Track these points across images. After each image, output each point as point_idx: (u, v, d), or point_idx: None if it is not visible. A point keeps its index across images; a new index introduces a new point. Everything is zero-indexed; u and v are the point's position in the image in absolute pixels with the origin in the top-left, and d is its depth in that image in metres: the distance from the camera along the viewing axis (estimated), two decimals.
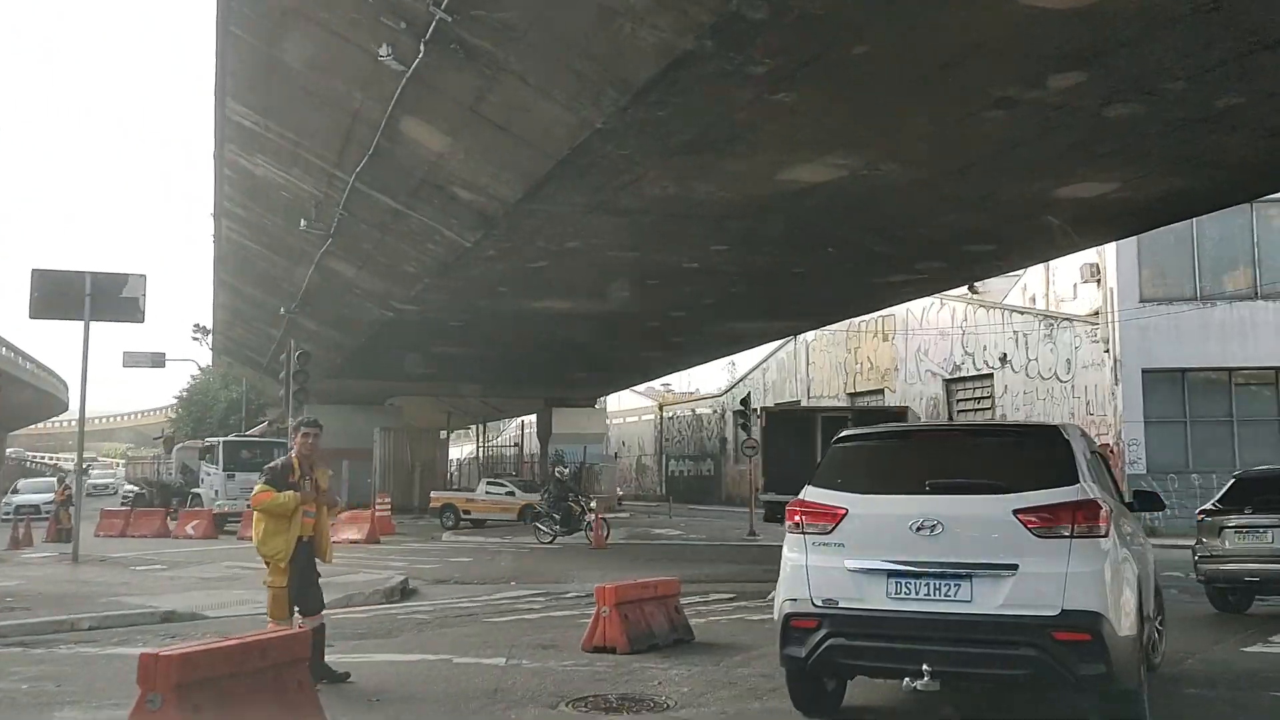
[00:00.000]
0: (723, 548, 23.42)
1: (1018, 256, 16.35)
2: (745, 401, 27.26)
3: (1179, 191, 12.25)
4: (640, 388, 57.48)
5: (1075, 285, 30.80)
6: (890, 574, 5.66)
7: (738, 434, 48.27)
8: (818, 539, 5.92)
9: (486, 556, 20.24)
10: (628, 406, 58.64)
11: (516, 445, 51.09)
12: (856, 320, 38.33)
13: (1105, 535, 5.55)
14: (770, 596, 7.93)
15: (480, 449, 52.82)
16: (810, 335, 41.90)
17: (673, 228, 14.26)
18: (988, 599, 5.47)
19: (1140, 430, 25.92)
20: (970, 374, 33.22)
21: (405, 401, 42.59)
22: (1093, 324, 28.33)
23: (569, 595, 14.02)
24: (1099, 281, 27.98)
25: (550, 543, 22.32)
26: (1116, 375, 26.66)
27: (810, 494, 6.14)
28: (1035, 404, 30.41)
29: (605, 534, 21.92)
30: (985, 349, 32.53)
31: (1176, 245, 26.71)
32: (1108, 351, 27.33)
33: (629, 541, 24.61)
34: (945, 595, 5.55)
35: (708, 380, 63.51)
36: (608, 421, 50.39)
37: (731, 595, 13.74)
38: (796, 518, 6.08)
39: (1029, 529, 5.51)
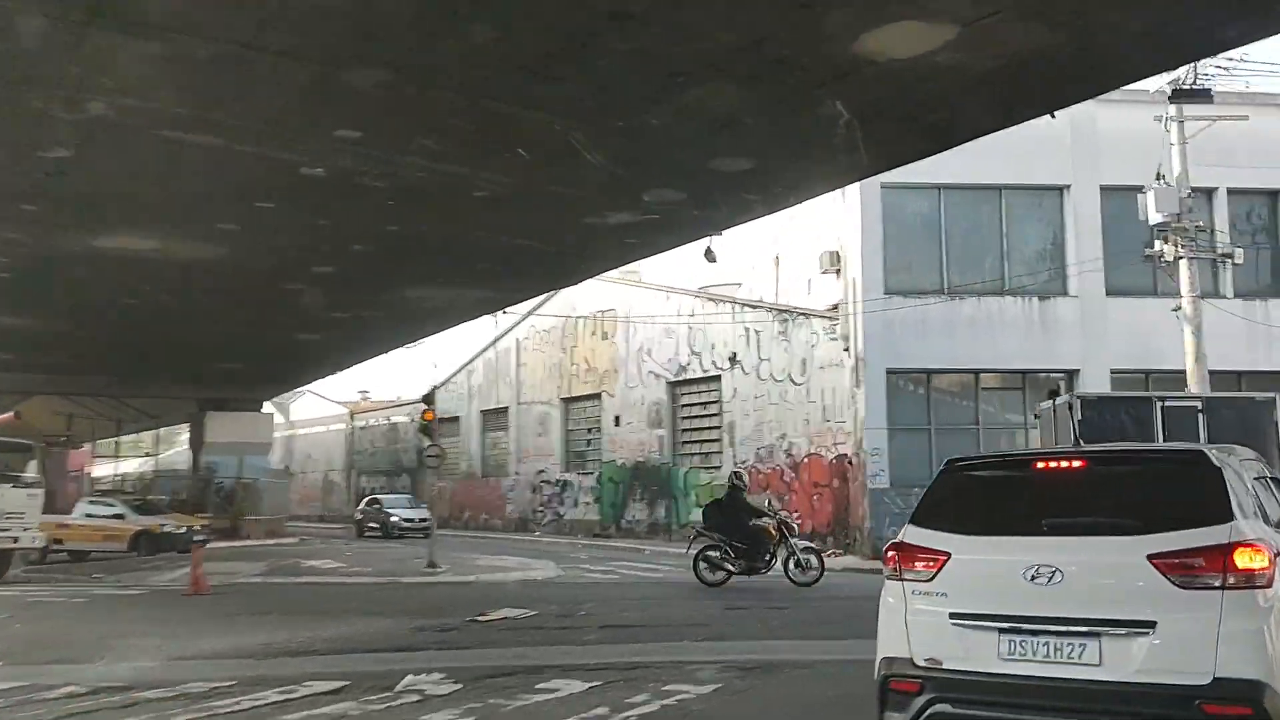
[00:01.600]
0: (388, 589, 17.82)
1: (784, 185, 12.04)
2: (429, 399, 21.80)
3: (1038, 52, 8.13)
4: (333, 393, 50.43)
5: (810, 281, 27.64)
6: (1003, 630, 4.81)
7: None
8: (918, 587, 5.09)
9: (26, 612, 13.62)
10: (316, 414, 51.37)
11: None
12: (574, 315, 33.83)
13: (1269, 585, 4.49)
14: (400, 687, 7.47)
15: (146, 463, 44.10)
16: (522, 332, 37.01)
17: (247, 76, 8.67)
18: (1121, 663, 4.58)
19: (883, 439, 22.76)
20: (697, 376, 29.40)
21: (25, 404, 33.91)
22: (832, 319, 25.09)
23: (55, 692, 8.11)
24: (839, 272, 24.77)
25: (724, 582, 16.30)
26: (858, 376, 23.43)
27: (910, 534, 5.29)
28: (766, 409, 26.89)
29: (200, 572, 15.40)
30: (714, 348, 28.81)
31: (924, 232, 23.92)
32: (848, 350, 24.11)
33: (260, 580, 18.47)
34: (1069, 657, 4.67)
35: (414, 385, 57.10)
36: (282, 429, 43.17)
37: (338, 687, 8.29)
38: (894, 562, 5.24)
39: (1168, 578, 4.58)
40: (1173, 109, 21.15)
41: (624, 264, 16.25)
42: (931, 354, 23.11)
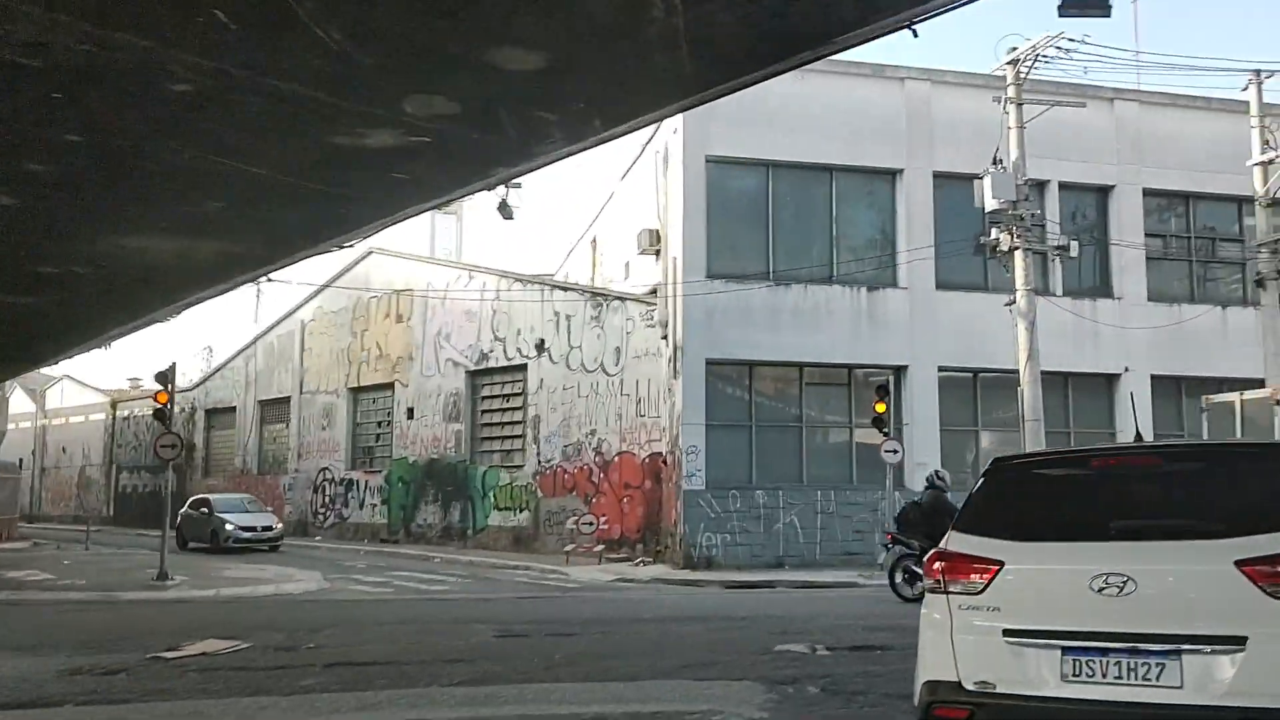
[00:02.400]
0: (88, 610, 14.30)
1: (586, 99, 9.36)
2: (165, 377, 18.04)
3: None
4: (97, 380, 44.79)
5: (629, 264, 25.30)
6: (1066, 649, 4.27)
7: (208, 436, 38.14)
8: (966, 600, 4.54)
9: None
10: (74, 403, 45.56)
11: None
12: (366, 295, 30.40)
13: None
14: None
15: None
16: (308, 314, 33.23)
17: None
18: (1206, 684, 4.02)
19: (701, 436, 20.55)
20: (500, 364, 26.55)
21: None
22: (650, 304, 22.78)
23: None
24: (659, 253, 22.49)
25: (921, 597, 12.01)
26: (675, 367, 21.16)
27: (956, 541, 4.74)
28: (575, 402, 24.33)
29: None
30: (520, 334, 26.03)
31: (750, 212, 21.91)
32: (666, 338, 21.83)
33: None
34: (1144, 678, 4.11)
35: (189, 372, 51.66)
36: (31, 419, 37.77)
37: None
38: (938, 573, 4.69)
39: (1261, 587, 4.04)
40: (1012, 90, 19.92)
41: (401, 214, 13.23)
42: (754, 344, 21.11)
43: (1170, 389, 23.22)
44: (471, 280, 27.62)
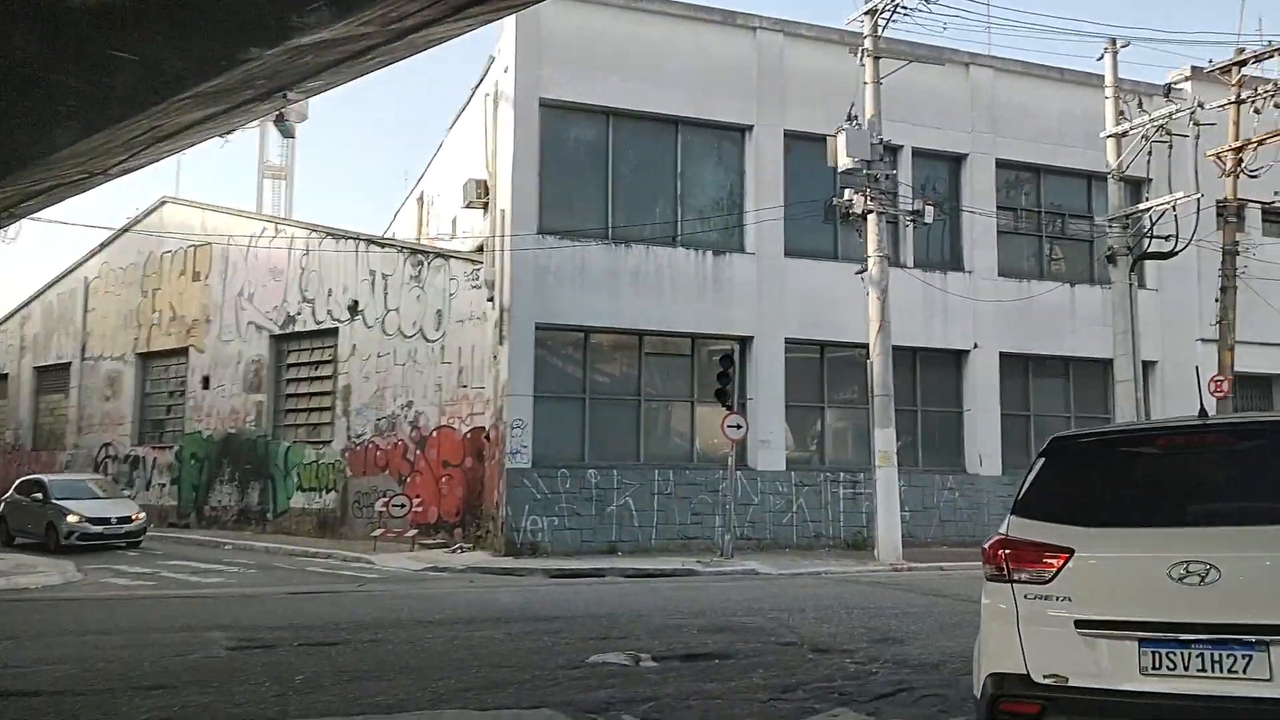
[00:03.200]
0: None
1: None
2: None
3: None
4: None
5: (456, 220, 22.97)
6: (1144, 641, 4.04)
7: None
8: (1033, 590, 4.27)
9: None
10: None
11: None
12: (159, 251, 27.00)
13: None
14: None
15: None
16: (93, 270, 29.44)
17: None
18: None
19: (528, 409, 18.48)
20: (308, 328, 23.77)
21: None
22: (475, 263, 20.52)
23: None
24: (487, 206, 20.25)
25: None
26: (502, 332, 19.00)
27: (1017, 526, 4.43)
28: (391, 371, 21.87)
29: None
30: (332, 295, 23.32)
31: (588, 163, 19.93)
32: (492, 300, 19.63)
33: None
34: (1230, 671, 3.89)
35: None
36: None
37: None
38: (1000, 560, 4.38)
39: None
40: (869, 42, 18.56)
41: (139, 134, 10.61)
42: (590, 309, 19.16)
43: (1018, 367, 22.51)
44: (279, 234, 24.69)
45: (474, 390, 20.22)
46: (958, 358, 21.94)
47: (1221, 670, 3.94)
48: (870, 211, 18.38)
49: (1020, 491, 4.63)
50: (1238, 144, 20.77)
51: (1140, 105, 20.36)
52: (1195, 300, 23.59)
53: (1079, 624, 4.19)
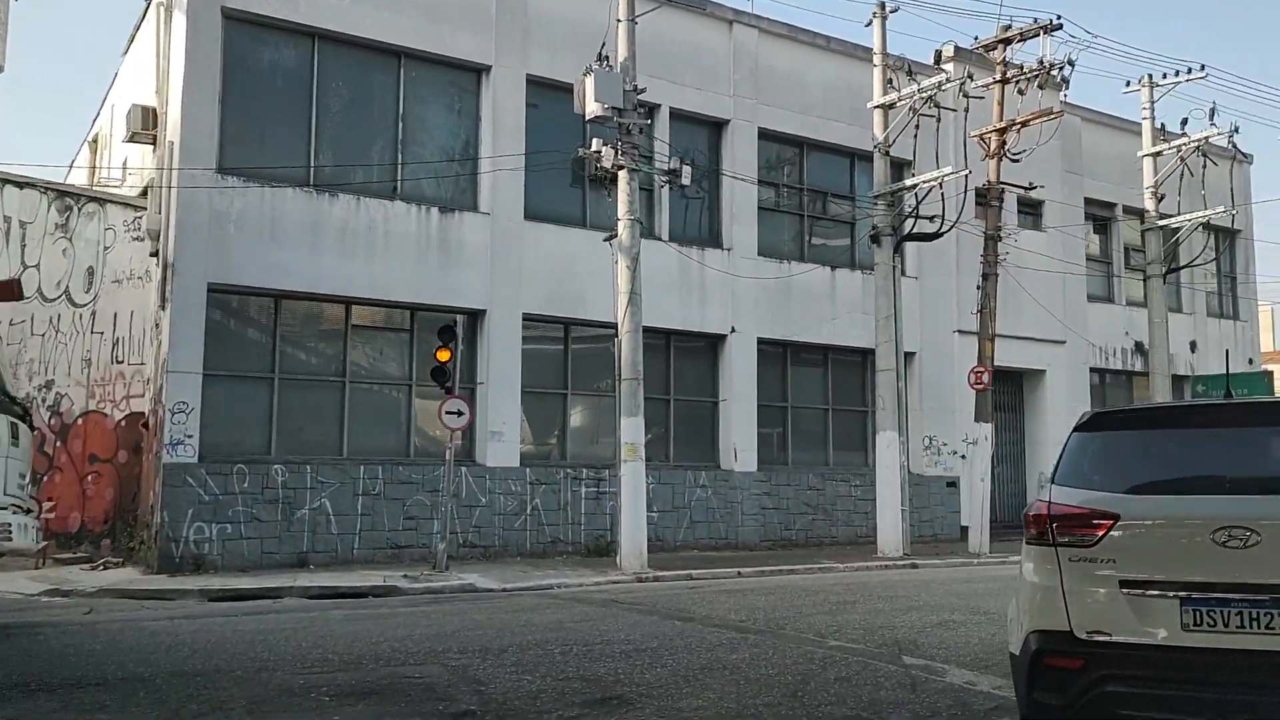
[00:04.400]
0: None
1: None
2: None
3: None
4: None
5: (126, 159, 18.73)
6: (1185, 599, 4.35)
7: None
8: (1078, 553, 4.58)
9: None
10: None
11: None
12: None
13: None
14: None
15: None
16: None
17: None
18: None
19: (195, 390, 14.77)
20: None
21: None
22: (139, 208, 16.51)
23: None
24: (155, 139, 16.30)
25: None
26: (165, 294, 15.18)
27: (1060, 494, 4.77)
28: (27, 344, 17.42)
29: None
30: None
31: (287, 92, 16.40)
32: (156, 255, 15.73)
33: None
34: (1268, 627, 4.21)
35: None
36: None
37: None
38: (1042, 524, 4.71)
39: None
40: None
41: None
42: (283, 269, 15.67)
43: (776, 354, 20.74)
44: None
45: (132, 367, 16.22)
46: (714, 342, 19.89)
47: (1260, 626, 4.22)
48: (621, 167, 15.91)
49: (1058, 463, 4.92)
50: (1002, 125, 19.81)
51: (910, 74, 19.03)
52: (954, 290, 22.71)
53: (1123, 584, 4.46)
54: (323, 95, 16.56)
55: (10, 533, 8.51)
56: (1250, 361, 28.66)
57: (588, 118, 15.72)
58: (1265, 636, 4.22)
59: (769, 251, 20.64)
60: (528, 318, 17.77)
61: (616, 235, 16.05)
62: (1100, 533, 4.57)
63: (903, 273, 21.27)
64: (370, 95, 17.01)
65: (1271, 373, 26.01)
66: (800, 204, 21.67)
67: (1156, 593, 4.42)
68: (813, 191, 21.82)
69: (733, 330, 19.88)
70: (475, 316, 17.38)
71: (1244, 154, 24.54)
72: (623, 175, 15.94)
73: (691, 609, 10.51)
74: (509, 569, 15.39)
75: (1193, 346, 27.23)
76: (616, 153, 15.82)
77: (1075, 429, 5.09)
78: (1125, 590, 4.47)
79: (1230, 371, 27.20)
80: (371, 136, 17.02)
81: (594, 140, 15.83)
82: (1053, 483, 4.89)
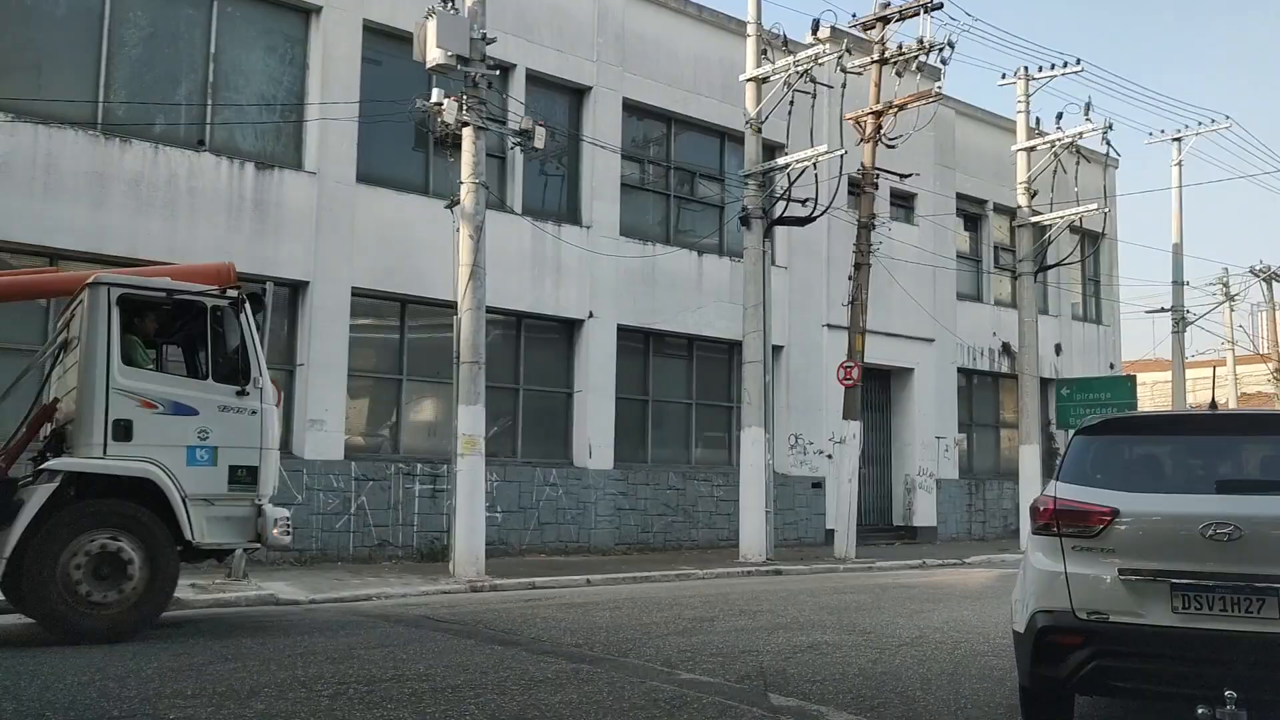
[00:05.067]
0: None
1: None
2: None
3: None
4: None
5: None
6: (1175, 585, 4.86)
7: None
8: (1080, 543, 5.10)
9: None
10: None
11: None
12: None
13: None
14: None
15: None
16: None
17: None
18: None
19: None
20: None
21: None
22: None
23: None
24: None
25: None
26: None
27: (1065, 490, 5.26)
28: None
29: None
30: None
31: (72, 16, 13.99)
32: None
33: None
34: (1247, 611, 4.74)
35: None
36: None
37: None
38: (1048, 516, 5.21)
39: None
40: None
41: None
42: (59, 224, 13.29)
43: (637, 342, 19.22)
44: None
45: None
46: (570, 328, 18.22)
47: (1240, 610, 4.75)
48: (466, 124, 14.08)
49: (1061, 462, 5.49)
50: (879, 107, 18.77)
51: (786, 45, 17.78)
52: (824, 283, 21.64)
53: (1121, 571, 4.95)
54: (117, 25, 14.22)
55: (290, 528, 8.91)
56: (1111, 366, 28.67)
57: (429, 65, 13.84)
58: (1245, 620, 4.73)
59: (632, 232, 19.11)
60: (358, 293, 15.76)
61: (459, 201, 14.24)
62: (1101, 525, 5.05)
63: (773, 261, 20.08)
64: (176, 30, 14.73)
65: (1134, 376, 25.91)
66: (667, 183, 20.21)
67: (1150, 579, 4.90)
68: (680, 170, 20.40)
69: (590, 315, 18.25)
70: (296, 289, 15.27)
71: (1116, 153, 24.28)
72: (467, 133, 14.11)
73: (521, 628, 8.81)
74: (324, 577, 13.38)
75: (1058, 349, 26.99)
76: (461, 107, 13.99)
77: (1078, 432, 5.61)
78: (1122, 576, 4.95)
79: (1093, 376, 27.23)
80: (176, 77, 14.74)
81: (435, 91, 13.97)
82: (1057, 480, 5.37)
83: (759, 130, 17.88)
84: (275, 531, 8.71)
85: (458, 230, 14.09)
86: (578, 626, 8.98)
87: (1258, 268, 36.06)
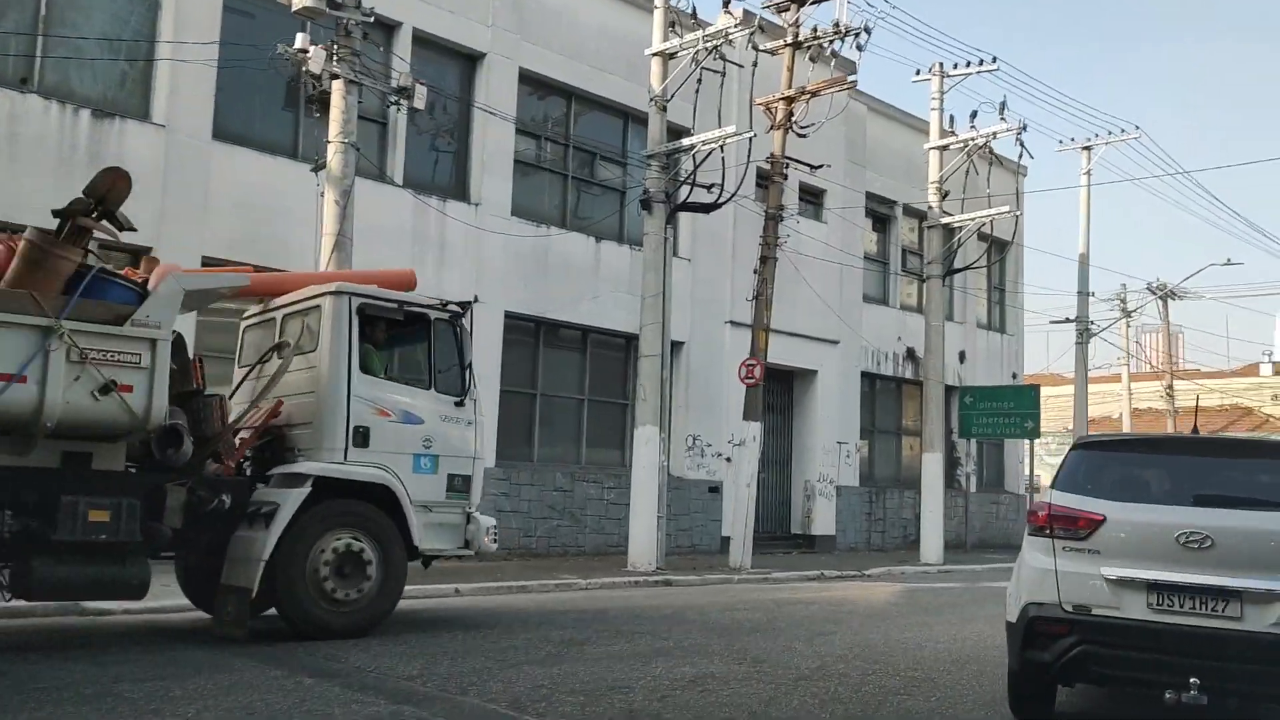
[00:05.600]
0: None
1: None
2: None
3: None
4: None
5: None
6: (1152, 584, 5.49)
7: None
8: (1070, 544, 5.76)
9: None
10: None
11: None
12: None
13: None
14: None
15: None
16: None
17: None
18: (1262, 617, 5.30)
19: None
20: None
21: None
22: None
23: None
24: None
25: None
26: None
27: (1059, 498, 5.92)
28: None
29: None
30: None
31: None
32: None
33: None
34: (1213, 610, 5.38)
35: None
36: None
37: None
38: (1044, 519, 5.88)
39: None
40: None
41: None
42: None
43: (527, 332, 17.84)
44: None
45: None
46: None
47: (1207, 610, 5.36)
48: (336, 76, 12.57)
49: (1058, 473, 6.11)
50: (790, 92, 17.74)
51: (695, 19, 16.62)
52: (729, 278, 20.55)
53: (1105, 570, 5.56)
54: None
55: (497, 535, 9.37)
56: (1014, 376, 28.30)
57: (295, 7, 12.31)
58: (1211, 618, 5.35)
59: (526, 213, 17.73)
60: (209, 262, 14.02)
61: (325, 164, 12.70)
62: (1089, 529, 5.66)
63: (675, 252, 18.94)
64: None
65: (1039, 386, 25.50)
66: (565, 163, 18.88)
67: (1130, 578, 5.51)
68: (581, 151, 19.09)
69: (475, 300, 16.72)
70: (136, 255, 13.47)
71: (1030, 155, 23.82)
72: (337, 87, 12.60)
73: (348, 653, 7.37)
74: None
75: (961, 357, 26.44)
76: (330, 56, 12.48)
77: (1073, 448, 6.27)
78: (1107, 575, 5.56)
79: (996, 385, 26.76)
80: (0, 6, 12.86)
81: (300, 36, 12.42)
82: (1053, 489, 5.97)
83: (664, 109, 16.68)
84: (486, 539, 9.06)
85: (322, 195, 12.57)
86: (420, 651, 7.58)
87: (1154, 285, 36.43)
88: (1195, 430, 6.95)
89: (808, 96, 17.79)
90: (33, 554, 6.92)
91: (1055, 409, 38.68)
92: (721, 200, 16.46)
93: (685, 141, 16.46)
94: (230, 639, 7.62)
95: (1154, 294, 36.14)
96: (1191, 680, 5.16)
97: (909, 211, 25.33)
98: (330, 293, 8.66)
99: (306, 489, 7.93)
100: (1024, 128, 21.10)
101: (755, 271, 17.74)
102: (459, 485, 8.96)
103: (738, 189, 16.66)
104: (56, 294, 7.08)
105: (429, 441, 8.80)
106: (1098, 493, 5.80)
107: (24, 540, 6.93)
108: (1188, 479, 5.84)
